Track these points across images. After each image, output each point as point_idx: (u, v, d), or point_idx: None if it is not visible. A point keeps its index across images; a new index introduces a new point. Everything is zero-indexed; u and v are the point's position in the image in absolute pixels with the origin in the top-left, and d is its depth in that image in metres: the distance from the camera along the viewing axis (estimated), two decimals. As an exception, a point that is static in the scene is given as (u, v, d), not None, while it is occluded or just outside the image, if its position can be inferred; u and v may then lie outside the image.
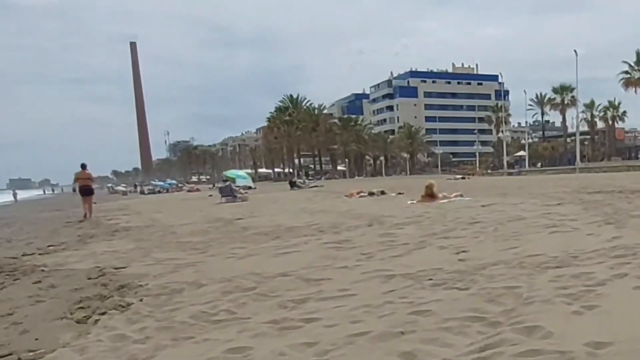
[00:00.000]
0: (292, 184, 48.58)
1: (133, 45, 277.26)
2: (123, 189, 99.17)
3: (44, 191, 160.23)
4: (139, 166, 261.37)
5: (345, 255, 8.53)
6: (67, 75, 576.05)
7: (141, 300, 6.48)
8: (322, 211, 18.47)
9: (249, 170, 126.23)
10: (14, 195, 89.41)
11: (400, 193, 26.93)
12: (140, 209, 30.90)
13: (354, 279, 6.76)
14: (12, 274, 9.13)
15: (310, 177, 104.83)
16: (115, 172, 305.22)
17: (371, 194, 27.56)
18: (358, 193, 28.10)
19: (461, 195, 20.57)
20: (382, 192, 27.83)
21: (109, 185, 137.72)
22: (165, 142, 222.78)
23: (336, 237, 10.66)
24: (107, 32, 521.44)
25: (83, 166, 25.68)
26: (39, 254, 11.66)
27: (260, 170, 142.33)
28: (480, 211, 14.09)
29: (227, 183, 35.72)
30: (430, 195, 19.52)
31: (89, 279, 8.18)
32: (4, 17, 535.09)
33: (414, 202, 19.49)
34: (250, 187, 55.12)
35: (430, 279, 6.40)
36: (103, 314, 5.99)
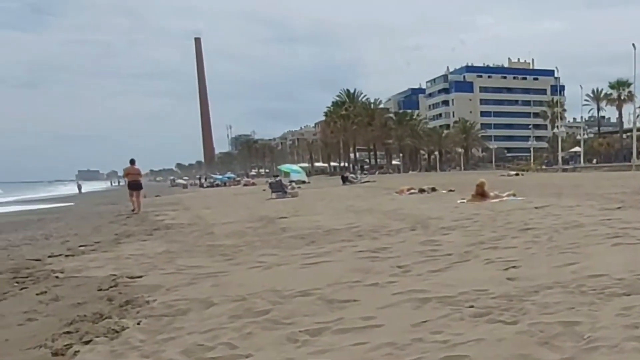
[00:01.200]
0: (344, 179, 47.44)
1: (197, 41, 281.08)
2: (183, 182, 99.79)
3: (111, 183, 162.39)
4: (202, 159, 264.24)
5: (379, 268, 7.43)
6: (133, 70, 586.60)
7: (139, 323, 5.50)
8: (367, 210, 17.37)
9: (305, 165, 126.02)
10: (79, 187, 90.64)
11: (451, 190, 25.67)
12: (191, 204, 30.26)
13: (383, 301, 5.66)
14: (23, 280, 8.30)
15: (365, 172, 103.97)
16: (179, 165, 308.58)
17: (421, 190, 26.31)
18: (408, 190, 26.89)
19: (513, 195, 19.20)
20: (433, 189, 26.57)
21: (171, 178, 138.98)
22: (228, 135, 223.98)
23: (373, 244, 9.54)
24: (172, 28, 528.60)
25: (132, 161, 25.67)
26: (66, 255, 10.89)
27: (316, 164, 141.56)
28: (533, 215, 12.76)
29: (278, 178, 34.87)
30: (481, 194, 18.23)
31: (99, 290, 7.29)
32: (75, 13, 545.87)
33: (464, 201, 18.26)
34: (304, 182, 54.42)
35: (472, 306, 5.26)
36: (88, 342, 5.03)
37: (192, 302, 6.18)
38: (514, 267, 6.92)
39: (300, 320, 5.22)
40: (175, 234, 14.13)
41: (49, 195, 79.05)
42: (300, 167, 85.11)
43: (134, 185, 25.22)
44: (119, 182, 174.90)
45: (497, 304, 5.25)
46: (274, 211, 19.60)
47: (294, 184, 47.47)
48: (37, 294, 7.25)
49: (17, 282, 8.17)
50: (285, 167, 64.31)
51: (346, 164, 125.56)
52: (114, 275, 8.21)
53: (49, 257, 10.78)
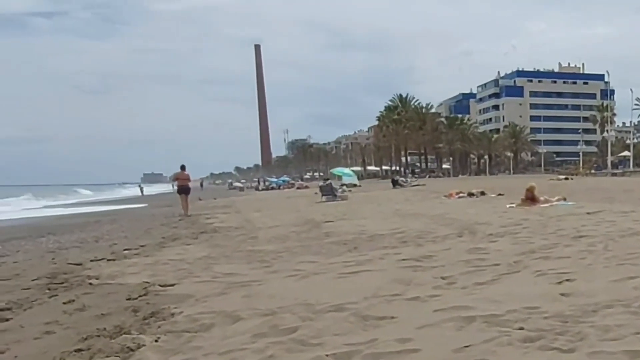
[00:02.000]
0: (395, 183, 46.47)
1: (257, 48, 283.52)
2: (240, 185, 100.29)
3: (173, 186, 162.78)
4: (260, 163, 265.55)
5: (422, 279, 6.72)
6: (197, 77, 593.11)
7: (157, 340, 4.92)
8: (414, 215, 16.62)
9: (358, 168, 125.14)
10: (141, 189, 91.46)
11: (500, 194, 24.72)
12: (243, 207, 29.92)
13: (422, 320, 4.95)
14: (56, 287, 7.85)
15: (416, 175, 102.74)
16: (237, 169, 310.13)
17: (470, 194, 25.43)
18: (457, 194, 26.04)
19: (564, 199, 18.17)
20: (482, 193, 25.66)
21: (229, 181, 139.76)
22: (284, 140, 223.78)
23: (417, 252, 8.80)
24: (234, 36, 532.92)
25: (182, 167, 25.85)
26: (107, 260, 10.48)
27: (369, 167, 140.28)
28: (585, 221, 11.80)
29: (328, 182, 34.15)
30: (530, 198, 17.26)
31: (127, 299, 6.79)
32: (144, 22, 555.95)
33: (514, 205, 17.33)
34: (355, 185, 53.68)
35: (522, 328, 4.51)
36: (97, 362, 4.49)
37: (218, 315, 5.58)
38: (568, 280, 6.12)
39: (329, 340, 4.55)
40: (220, 237, 13.67)
41: (112, 197, 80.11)
42: (352, 170, 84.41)
43: (182, 190, 25.38)
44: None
45: (550, 326, 4.49)
46: (322, 215, 19.01)
47: (345, 187, 46.99)
48: (64, 303, 6.76)
49: (49, 289, 7.74)
50: (337, 170, 63.59)
51: (397, 168, 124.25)
52: (147, 282, 7.69)
53: (91, 261, 10.42)
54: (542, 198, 17.70)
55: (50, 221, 27.54)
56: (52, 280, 8.38)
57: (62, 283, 8.11)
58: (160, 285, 7.48)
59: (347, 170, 63.98)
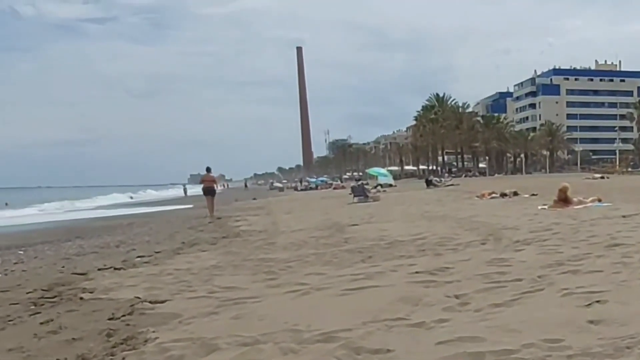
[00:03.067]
0: (428, 183, 45.24)
1: (299, 50, 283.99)
2: (280, 185, 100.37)
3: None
4: (301, 163, 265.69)
5: (432, 298, 5.79)
6: (240, 78, 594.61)
7: (113, 377, 4.12)
8: (442, 217, 15.64)
9: (395, 168, 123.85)
10: (184, 190, 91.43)
11: (534, 194, 23.50)
12: (276, 208, 29.29)
13: (421, 356, 4.07)
14: (44, 302, 7.15)
15: (453, 175, 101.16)
16: (280, 169, 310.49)
17: (503, 195, 24.26)
18: (490, 194, 24.88)
19: (599, 200, 16.94)
20: (515, 193, 24.48)
21: (270, 181, 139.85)
22: (325, 140, 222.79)
23: (434, 263, 7.84)
24: (277, 38, 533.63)
25: (208, 169, 26.14)
26: (115, 269, 9.77)
27: (406, 167, 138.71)
28: (621, 226, 10.62)
29: (360, 183, 33.42)
30: (563, 200, 16.09)
31: (110, 319, 6.00)
32: (191, 26, 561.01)
33: (546, 207, 16.21)
34: (390, 185, 52.77)
35: (538, 371, 3.59)
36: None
37: (194, 344, 4.76)
38: (598, 301, 5.13)
39: (306, 384, 3.69)
40: (238, 243, 12.94)
41: (155, 198, 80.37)
42: (389, 170, 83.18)
43: (208, 191, 25.39)
44: (224, 186, 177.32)
45: (575, 368, 3.56)
46: (349, 217, 18.20)
47: (379, 187, 46.03)
48: (40, 323, 6.03)
49: (35, 305, 7.01)
50: (373, 170, 62.65)
51: (434, 167, 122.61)
52: (138, 298, 6.91)
53: (98, 269, 9.72)
54: (575, 199, 16.53)
55: (86, 223, 27.26)
56: (45, 293, 7.67)
57: (53, 297, 7.39)
58: (150, 302, 6.69)
59: (382, 170, 63.00)
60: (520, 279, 6.33)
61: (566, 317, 4.73)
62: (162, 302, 6.68)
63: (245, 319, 5.53)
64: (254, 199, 48.84)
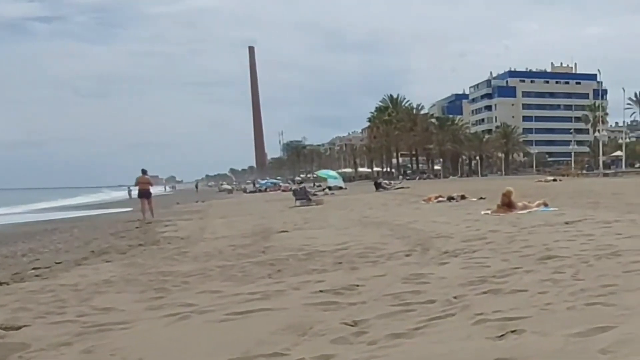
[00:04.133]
0: (377, 186, 44.47)
1: (251, 49, 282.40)
2: (229, 187, 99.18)
3: (165, 188, 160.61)
4: (254, 164, 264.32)
5: (326, 325, 4.98)
6: (193, 79, 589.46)
7: None
8: (378, 223, 14.93)
9: (349, 170, 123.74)
10: (129, 192, 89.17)
11: (482, 198, 22.98)
12: (213, 212, 28.36)
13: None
14: None
15: (407, 177, 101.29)
16: (232, 170, 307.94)
17: (450, 198, 23.72)
18: (436, 197, 24.33)
19: (545, 205, 16.45)
20: (462, 197, 23.96)
21: (221, 183, 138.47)
22: (279, 141, 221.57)
23: (345, 279, 7.02)
24: (229, 38, 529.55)
25: (144, 171, 26.04)
26: (1, 283, 8.80)
27: (361, 169, 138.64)
28: (561, 234, 9.99)
29: (302, 185, 32.63)
30: (507, 204, 15.57)
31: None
32: (141, 26, 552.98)
33: (489, 212, 15.65)
34: (340, 187, 52.17)
35: None
36: None
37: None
38: (514, 331, 4.38)
39: None
40: (150, 252, 12.07)
41: (97, 200, 78.39)
42: (343, 172, 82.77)
43: (143, 193, 25.27)
44: (173, 187, 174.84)
45: None
46: (283, 222, 17.45)
47: (327, 189, 45.41)
48: None
49: None
50: (322, 172, 62.12)
51: (389, 169, 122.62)
52: (-8, 325, 5.94)
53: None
54: (520, 204, 16.02)
55: (9, 229, 25.90)
56: None
57: None
58: (3, 329, 5.74)
59: (332, 172, 62.32)
60: (434, 301, 5.56)
61: (471, 352, 3.98)
62: (18, 328, 5.74)
63: (95, 354, 4.67)
64: (196, 201, 47.73)
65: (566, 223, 11.71)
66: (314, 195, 31.42)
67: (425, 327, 4.73)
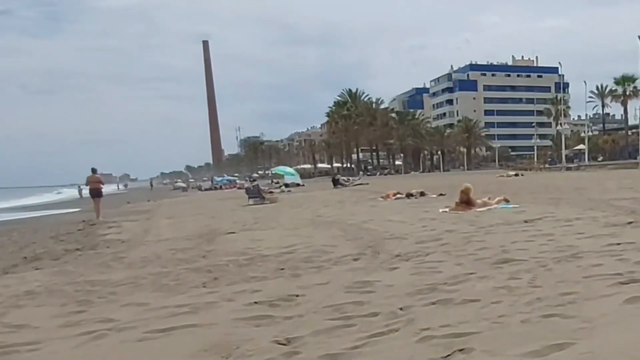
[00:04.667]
0: (335, 182, 43.97)
1: (205, 44, 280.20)
2: (183, 185, 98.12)
3: (118, 187, 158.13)
4: (211, 161, 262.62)
5: (253, 345, 4.51)
6: (146, 74, 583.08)
7: None
8: (331, 223, 14.49)
9: (308, 166, 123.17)
10: (80, 191, 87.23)
11: (441, 194, 22.74)
12: (163, 212, 27.59)
13: None
14: None
15: (368, 173, 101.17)
16: (188, 167, 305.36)
17: (409, 195, 23.43)
18: (394, 194, 24.00)
19: (506, 201, 16.22)
20: (422, 194, 23.71)
21: (175, 180, 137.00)
22: (237, 137, 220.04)
23: (284, 288, 6.55)
24: (182, 32, 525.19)
25: (93, 170, 25.84)
26: None
27: (320, 165, 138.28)
28: (518, 234, 9.64)
29: (255, 183, 31.99)
30: (465, 202, 15.28)
31: None
32: (90, 20, 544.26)
33: (447, 210, 15.35)
34: (298, 184, 51.77)
35: None
36: None
37: None
38: (461, 350, 3.99)
39: None
40: (84, 258, 11.45)
41: (48, 200, 76.55)
42: (300, 168, 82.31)
43: (94, 193, 25.22)
44: (125, 186, 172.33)
45: None
46: (233, 222, 16.97)
47: (283, 187, 44.94)
48: None
49: None
50: (279, 169, 61.71)
51: (349, 165, 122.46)
52: None
53: None
54: (480, 200, 15.75)
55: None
56: None
57: None
58: None
59: (289, 169, 61.97)
60: (377, 313, 5.13)
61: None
62: None
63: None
64: (148, 200, 46.81)
65: (525, 221, 11.41)
66: (270, 192, 30.86)
67: (364, 345, 4.31)
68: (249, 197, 27.37)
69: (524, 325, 4.46)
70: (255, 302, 5.93)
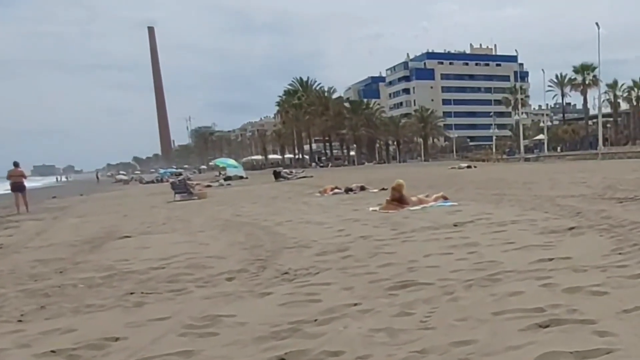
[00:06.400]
0: (277, 175, 42.52)
1: (151, 31, 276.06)
2: (124, 177, 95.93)
3: (57, 179, 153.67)
4: (160, 152, 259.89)
5: None
6: (87, 62, 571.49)
7: None
8: (243, 225, 13.08)
9: (259, 157, 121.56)
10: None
11: (383, 189, 21.51)
12: (77, 208, 25.94)
13: None
14: None
15: (322, 164, 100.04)
16: (136, 159, 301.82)
17: (348, 190, 22.24)
18: (332, 189, 22.75)
19: (444, 198, 15.04)
20: (362, 188, 22.70)
21: (118, 172, 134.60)
22: (187, 128, 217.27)
23: (111, 325, 5.04)
24: (127, 19, 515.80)
25: (15, 164, 25.54)
26: None
27: (271, 156, 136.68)
28: (441, 242, 8.32)
29: (181, 177, 30.51)
30: (397, 199, 14.07)
31: None
32: (27, 4, 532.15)
33: (377, 208, 14.11)
34: (241, 177, 50.47)
35: None
36: None
37: None
38: None
39: None
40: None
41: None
42: (251, 159, 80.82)
43: (16, 187, 25.04)
44: (66, 178, 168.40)
45: None
46: (140, 223, 15.60)
47: (222, 181, 43.51)
48: None
49: None
50: (220, 161, 60.26)
51: (301, 156, 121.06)
52: None
53: None
54: (415, 198, 14.58)
55: None
56: None
57: None
58: None
59: (231, 161, 60.47)
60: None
61: None
62: None
63: None
64: (81, 194, 44.74)
65: (455, 225, 10.17)
66: (201, 187, 29.33)
67: None
68: (175, 193, 25.78)
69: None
70: (53, 351, 4.50)
